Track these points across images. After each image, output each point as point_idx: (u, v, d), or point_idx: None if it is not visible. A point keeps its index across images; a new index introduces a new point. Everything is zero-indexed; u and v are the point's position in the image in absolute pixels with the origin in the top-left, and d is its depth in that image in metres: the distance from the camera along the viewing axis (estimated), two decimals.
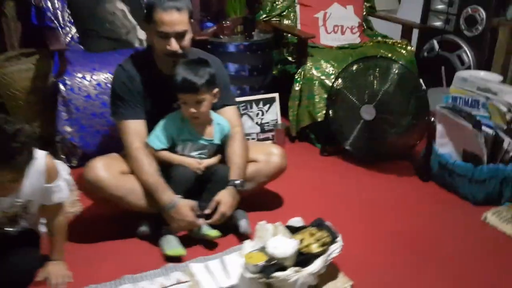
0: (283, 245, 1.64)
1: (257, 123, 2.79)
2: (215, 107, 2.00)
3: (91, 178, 1.81)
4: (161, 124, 1.92)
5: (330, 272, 1.70)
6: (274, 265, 1.60)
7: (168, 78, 1.88)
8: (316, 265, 1.62)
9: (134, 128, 1.90)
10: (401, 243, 1.94)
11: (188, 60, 1.90)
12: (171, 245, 1.81)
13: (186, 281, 1.67)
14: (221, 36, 2.75)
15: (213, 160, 1.98)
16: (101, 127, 2.32)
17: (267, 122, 2.82)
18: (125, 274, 1.69)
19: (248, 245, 1.70)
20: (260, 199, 2.16)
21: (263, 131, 2.81)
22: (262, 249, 1.66)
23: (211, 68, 1.90)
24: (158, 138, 1.90)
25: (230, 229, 1.94)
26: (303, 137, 2.84)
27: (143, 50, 2.07)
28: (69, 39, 2.59)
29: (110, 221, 1.99)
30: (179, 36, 1.86)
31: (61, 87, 2.26)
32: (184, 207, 1.83)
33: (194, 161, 1.92)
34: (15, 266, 1.59)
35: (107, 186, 1.82)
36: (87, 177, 1.82)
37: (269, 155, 2.08)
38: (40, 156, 1.54)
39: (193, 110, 1.86)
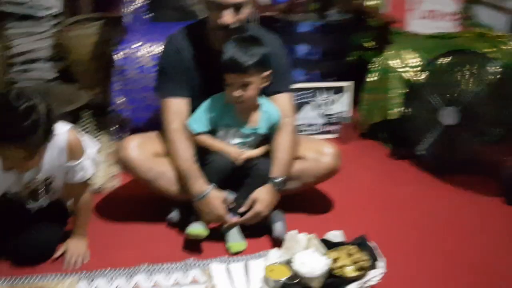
0: (312, 262, 1.43)
1: (322, 113, 2.54)
2: (267, 93, 1.80)
3: (122, 157, 1.72)
4: (203, 105, 1.76)
5: None
6: (298, 283, 1.40)
7: (219, 55, 1.70)
8: None
9: (176, 107, 1.76)
10: (464, 280, 1.60)
11: (239, 37, 1.70)
12: (195, 227, 1.67)
13: (202, 282, 1.52)
14: (293, 14, 2.51)
15: (256, 152, 1.78)
16: (153, 101, 2.21)
17: (334, 114, 2.55)
18: (143, 262, 1.58)
19: (274, 255, 1.51)
20: (304, 201, 1.93)
21: (328, 123, 2.55)
22: (288, 263, 1.46)
23: (264, 48, 1.69)
24: (199, 121, 1.74)
25: (263, 231, 1.75)
26: (373, 135, 2.53)
27: (197, 22, 1.91)
28: (136, 6, 2.50)
29: (144, 202, 1.89)
30: (234, 8, 1.66)
31: (117, 56, 2.19)
32: (216, 199, 1.67)
33: (234, 150, 1.75)
34: (35, 241, 1.56)
35: (138, 168, 1.71)
36: (119, 155, 1.73)
37: (320, 154, 1.84)
38: (62, 132, 1.46)
39: (238, 93, 1.68)
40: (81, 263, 1.58)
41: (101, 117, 2.34)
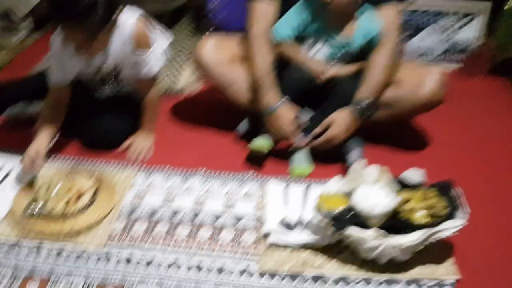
0: (375, 198, 1.22)
1: (445, 39, 2.15)
2: (372, 2, 1.54)
3: (197, 57, 1.63)
4: (293, 8, 1.56)
5: (435, 253, 1.22)
6: (353, 218, 1.21)
7: None
8: (410, 239, 1.17)
9: (262, 8, 1.58)
10: None
11: None
12: (258, 140, 1.54)
13: (255, 198, 1.42)
14: None
15: (344, 70, 1.57)
16: None
17: (460, 42, 2.15)
18: (202, 167, 1.52)
19: (334, 184, 1.32)
20: (390, 133, 1.68)
21: (450, 51, 2.16)
22: (347, 194, 1.27)
23: None
24: (284, 25, 1.56)
25: (336, 159, 1.56)
26: (504, 71, 2.09)
27: None
28: None
29: (218, 110, 1.80)
30: None
31: None
32: (286, 115, 1.51)
33: (319, 64, 1.55)
34: (103, 131, 1.59)
35: (210, 70, 1.61)
36: (194, 55, 1.64)
37: (421, 81, 1.54)
38: (130, 21, 1.40)
39: None
40: (143, 157, 1.58)
41: (199, 20, 2.27)
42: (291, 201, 1.40)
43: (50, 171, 1.46)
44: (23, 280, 1.15)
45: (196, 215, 1.35)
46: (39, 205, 1.31)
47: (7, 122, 1.70)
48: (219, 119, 1.76)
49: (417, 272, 1.19)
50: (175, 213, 1.36)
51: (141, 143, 1.59)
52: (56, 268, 1.19)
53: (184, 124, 1.76)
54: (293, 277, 1.18)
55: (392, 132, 1.69)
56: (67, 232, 1.27)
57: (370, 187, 1.26)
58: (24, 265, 1.19)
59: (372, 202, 1.21)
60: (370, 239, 1.17)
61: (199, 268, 1.20)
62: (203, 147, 1.65)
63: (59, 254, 1.22)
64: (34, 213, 1.30)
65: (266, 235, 1.27)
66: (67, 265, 1.20)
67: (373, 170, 1.32)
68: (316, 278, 1.17)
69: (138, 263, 1.20)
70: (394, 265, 1.18)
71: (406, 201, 1.24)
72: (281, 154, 1.57)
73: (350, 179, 1.31)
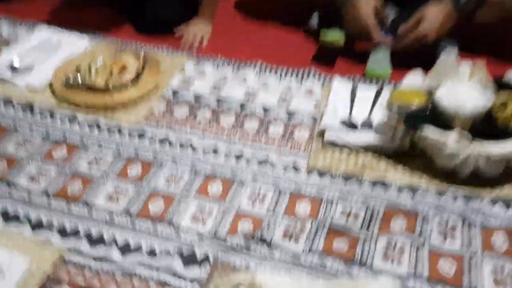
0: (465, 95, 0.97)
1: None
2: None
3: None
4: None
5: None
6: (432, 116, 0.97)
7: None
8: (505, 147, 0.91)
9: None
10: None
11: None
12: (332, 31, 1.33)
13: (316, 97, 1.21)
14: None
15: None
16: None
17: None
18: (259, 60, 1.33)
19: (413, 77, 1.08)
20: (493, 35, 1.37)
21: None
22: (429, 91, 1.02)
23: None
24: None
25: (425, 62, 1.27)
26: None
27: None
28: None
29: (290, 5, 1.60)
30: None
31: None
32: (367, 3, 1.26)
33: None
34: (158, 12, 1.45)
35: None
36: None
37: None
38: None
39: None
40: (198, 44, 1.42)
41: None
42: (357, 102, 1.17)
43: (97, 47, 1.36)
44: (53, 144, 1.07)
45: (244, 105, 1.18)
46: (80, 76, 1.21)
47: (63, 3, 1.62)
48: (288, 16, 1.54)
49: (507, 191, 0.93)
50: (221, 101, 1.20)
51: (196, 29, 1.44)
52: (87, 138, 1.09)
53: (249, 17, 1.57)
54: (347, 178, 0.97)
55: (495, 34, 1.39)
56: (104, 105, 1.16)
57: (460, 83, 1.00)
58: (55, 132, 1.10)
59: (460, 99, 0.96)
60: (451, 143, 0.92)
61: (238, 157, 1.03)
62: (266, 40, 1.46)
63: (91, 126, 1.12)
64: (75, 83, 1.21)
65: (322, 132, 1.07)
66: (99, 136, 1.09)
67: (466, 66, 1.05)
68: (375, 183, 0.96)
69: (172, 144, 1.07)
70: (478, 179, 0.94)
71: (505, 104, 0.97)
72: (355, 54, 1.34)
73: (436, 72, 1.06)
